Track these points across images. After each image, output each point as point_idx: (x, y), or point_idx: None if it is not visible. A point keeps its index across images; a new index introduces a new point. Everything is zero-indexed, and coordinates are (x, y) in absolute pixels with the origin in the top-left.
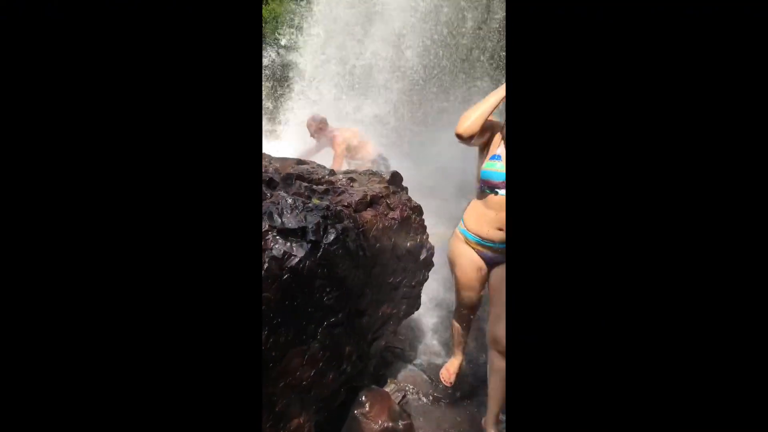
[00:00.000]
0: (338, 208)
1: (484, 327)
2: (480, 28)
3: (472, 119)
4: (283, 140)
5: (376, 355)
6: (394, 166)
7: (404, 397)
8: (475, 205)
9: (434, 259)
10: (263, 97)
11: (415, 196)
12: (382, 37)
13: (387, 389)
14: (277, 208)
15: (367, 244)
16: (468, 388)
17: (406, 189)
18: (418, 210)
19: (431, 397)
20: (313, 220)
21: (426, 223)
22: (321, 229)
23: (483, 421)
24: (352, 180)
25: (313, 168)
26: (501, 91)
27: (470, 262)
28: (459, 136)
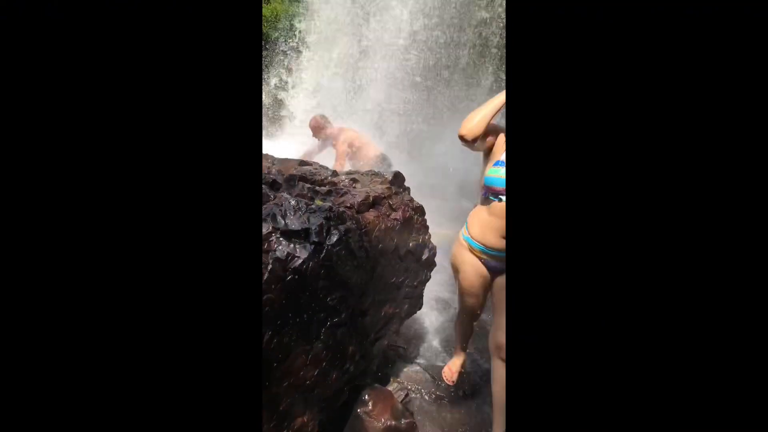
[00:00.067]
0: (341, 209)
1: (486, 326)
2: (483, 25)
3: (475, 121)
4: (282, 139)
5: (379, 355)
6: (396, 165)
7: (407, 395)
8: (479, 211)
9: (436, 259)
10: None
11: (417, 195)
12: (383, 34)
13: (390, 388)
14: (281, 210)
15: (370, 244)
16: (470, 387)
17: (408, 189)
18: (420, 210)
19: (434, 396)
20: (316, 221)
21: (428, 222)
22: (324, 231)
23: None
24: (354, 181)
25: (316, 169)
26: (504, 94)
27: (473, 269)
28: (462, 138)
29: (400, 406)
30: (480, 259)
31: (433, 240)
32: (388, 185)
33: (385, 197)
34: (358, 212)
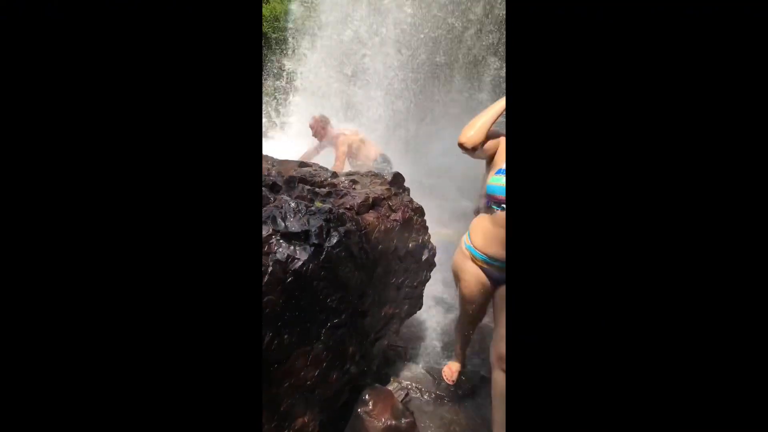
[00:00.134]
0: (341, 210)
1: (487, 324)
2: (482, 24)
3: (475, 128)
4: (280, 140)
5: (379, 355)
6: (396, 165)
7: (407, 395)
8: (482, 220)
9: (436, 259)
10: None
11: (417, 195)
12: (382, 34)
13: (390, 388)
14: (281, 212)
15: (370, 246)
16: (470, 386)
17: (407, 190)
18: (419, 211)
19: (434, 395)
20: (315, 223)
21: (428, 222)
22: (324, 233)
23: None
24: (354, 182)
25: (316, 170)
26: (504, 99)
27: (475, 279)
28: (462, 146)
29: (400, 405)
30: (482, 268)
31: (433, 240)
32: (387, 186)
33: (384, 198)
34: (357, 214)
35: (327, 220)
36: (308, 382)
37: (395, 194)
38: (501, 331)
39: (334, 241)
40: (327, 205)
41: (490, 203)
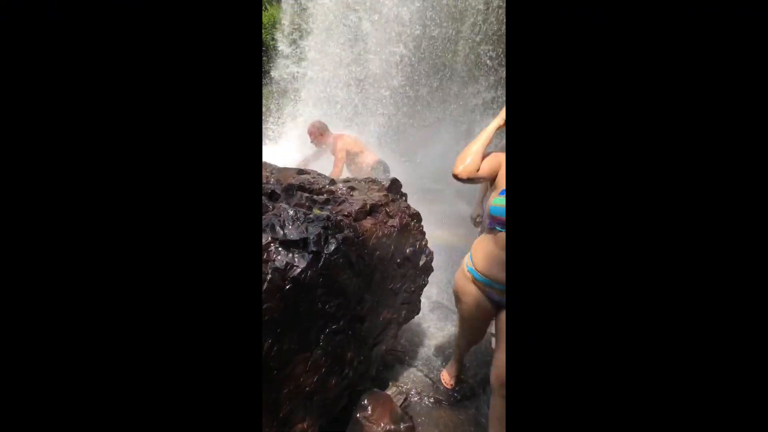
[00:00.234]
0: (338, 217)
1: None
2: (481, 25)
3: (468, 158)
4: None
5: (378, 360)
6: (393, 169)
7: (406, 399)
8: (484, 242)
9: (433, 264)
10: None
11: (414, 199)
12: (380, 37)
13: (389, 392)
14: (279, 220)
15: (367, 252)
16: (468, 390)
17: (405, 196)
18: (416, 217)
19: (432, 399)
20: (314, 231)
21: (425, 226)
22: (322, 240)
23: None
24: (351, 189)
25: (314, 178)
26: (495, 122)
27: (476, 302)
28: (456, 178)
29: (399, 410)
30: (484, 291)
31: (431, 244)
32: (385, 192)
33: (382, 204)
34: (355, 220)
35: (325, 228)
36: (307, 388)
37: (392, 200)
38: (501, 357)
39: (332, 248)
40: (325, 213)
41: (493, 224)
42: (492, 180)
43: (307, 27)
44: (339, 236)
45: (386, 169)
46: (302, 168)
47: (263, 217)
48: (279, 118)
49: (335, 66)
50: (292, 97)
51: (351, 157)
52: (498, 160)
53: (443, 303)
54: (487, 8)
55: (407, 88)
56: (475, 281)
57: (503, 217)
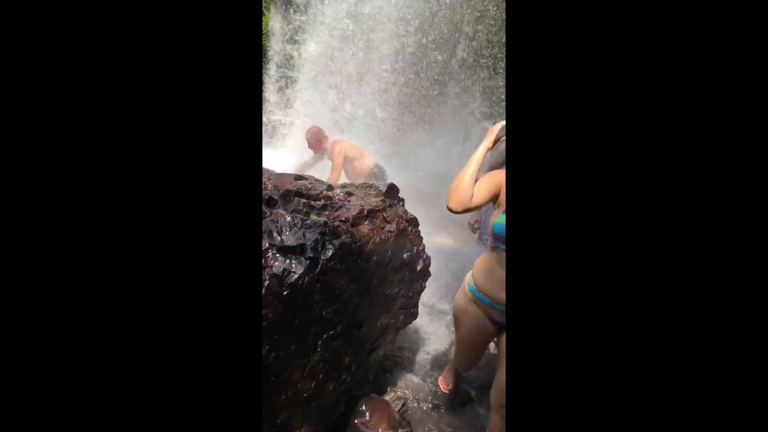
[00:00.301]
0: (336, 223)
1: None
2: (477, 27)
3: (461, 189)
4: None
5: (376, 365)
6: (390, 173)
7: (404, 404)
8: (487, 262)
9: (431, 268)
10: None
11: (411, 204)
12: (377, 40)
13: (387, 398)
14: (277, 227)
15: (364, 257)
16: (466, 395)
17: (402, 201)
18: (413, 222)
19: (431, 405)
20: (311, 236)
21: (422, 230)
22: (319, 246)
23: None
24: (349, 194)
25: (312, 184)
26: (483, 146)
27: (477, 324)
28: (452, 211)
29: (397, 415)
30: (486, 312)
31: (428, 249)
32: (382, 198)
33: (379, 210)
34: (352, 226)
35: (322, 233)
36: (305, 394)
37: (390, 205)
38: (502, 378)
39: (330, 253)
40: (322, 218)
41: (497, 244)
42: (495, 199)
43: (302, 30)
44: (336, 242)
45: (383, 174)
46: (300, 173)
47: None
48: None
49: (331, 72)
50: (288, 102)
51: (348, 162)
52: (497, 179)
53: (441, 308)
54: (483, 15)
55: (405, 93)
56: (477, 302)
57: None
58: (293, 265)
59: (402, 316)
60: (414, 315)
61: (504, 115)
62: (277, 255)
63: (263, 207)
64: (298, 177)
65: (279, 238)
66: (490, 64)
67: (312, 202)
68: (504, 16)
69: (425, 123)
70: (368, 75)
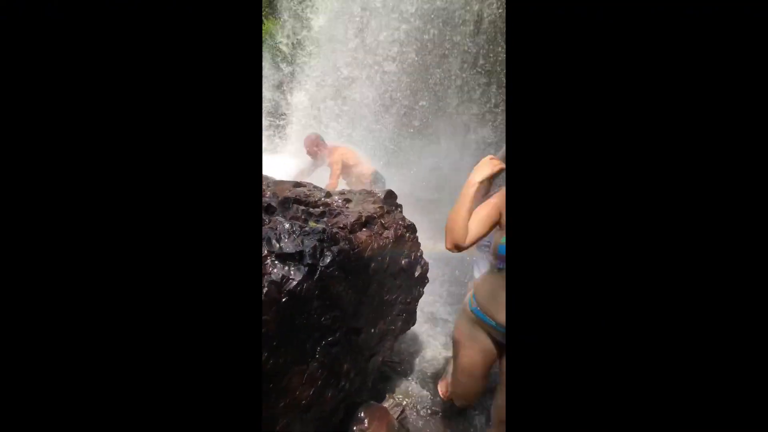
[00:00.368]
0: (334, 230)
1: None
2: (474, 35)
3: (455, 228)
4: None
5: (374, 371)
6: (388, 179)
7: (402, 411)
8: (490, 282)
9: (429, 275)
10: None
11: (408, 209)
12: (374, 46)
13: (385, 404)
14: (275, 234)
15: (363, 264)
16: None
17: (400, 207)
18: (411, 228)
19: (429, 411)
20: (309, 243)
21: (420, 236)
22: (318, 253)
23: None
24: (347, 201)
25: (310, 190)
26: (472, 185)
27: (479, 346)
28: (451, 251)
29: (396, 422)
30: (489, 334)
31: (426, 255)
32: (380, 204)
33: (377, 216)
34: (350, 232)
35: (320, 240)
36: (303, 401)
37: (388, 212)
38: (502, 397)
39: (328, 260)
40: (321, 225)
41: (501, 265)
42: (498, 219)
43: (301, 36)
44: (334, 249)
45: (382, 180)
46: (298, 181)
47: None
48: (274, 131)
49: (328, 76)
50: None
51: (347, 168)
52: (494, 204)
53: (439, 314)
54: (481, 19)
55: (402, 100)
56: (479, 322)
57: None
58: (292, 272)
59: (400, 323)
60: (412, 321)
61: (501, 118)
62: (276, 262)
63: (262, 214)
64: (297, 184)
65: (277, 245)
66: (487, 69)
67: (310, 209)
68: (501, 23)
69: (423, 129)
70: (363, 84)
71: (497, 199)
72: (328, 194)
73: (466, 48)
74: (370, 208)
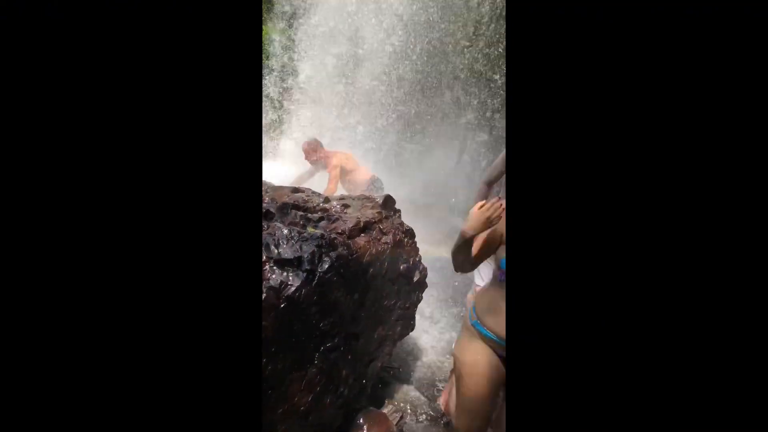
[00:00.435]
0: (332, 235)
1: None
2: (472, 39)
3: (459, 260)
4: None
5: (373, 377)
6: (387, 183)
7: (402, 417)
8: (491, 296)
9: (428, 280)
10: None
11: (407, 215)
12: (373, 52)
13: (385, 410)
14: (274, 239)
15: (361, 269)
16: None
17: (398, 212)
18: (410, 233)
19: (429, 417)
20: (308, 249)
21: (419, 241)
22: (316, 258)
23: None
24: (345, 206)
25: (309, 196)
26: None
27: (483, 361)
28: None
29: (395, 428)
30: (494, 350)
31: (424, 260)
32: (378, 209)
33: (375, 222)
34: (349, 238)
35: (319, 246)
36: (302, 407)
37: (386, 217)
38: (503, 413)
39: (326, 266)
40: (319, 231)
41: (502, 277)
42: (500, 245)
43: (298, 39)
44: (333, 254)
45: (380, 186)
46: (297, 186)
47: None
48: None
49: (327, 81)
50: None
51: (345, 173)
52: (495, 229)
53: (438, 319)
54: (480, 23)
55: (401, 105)
56: (482, 337)
57: None
58: (290, 278)
59: (399, 328)
60: (411, 327)
61: (500, 124)
62: (275, 268)
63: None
64: (295, 189)
65: (276, 251)
66: (486, 73)
67: (309, 215)
68: (500, 28)
69: (421, 134)
70: (364, 88)
71: (500, 227)
72: (327, 200)
73: (464, 53)
74: (369, 214)
